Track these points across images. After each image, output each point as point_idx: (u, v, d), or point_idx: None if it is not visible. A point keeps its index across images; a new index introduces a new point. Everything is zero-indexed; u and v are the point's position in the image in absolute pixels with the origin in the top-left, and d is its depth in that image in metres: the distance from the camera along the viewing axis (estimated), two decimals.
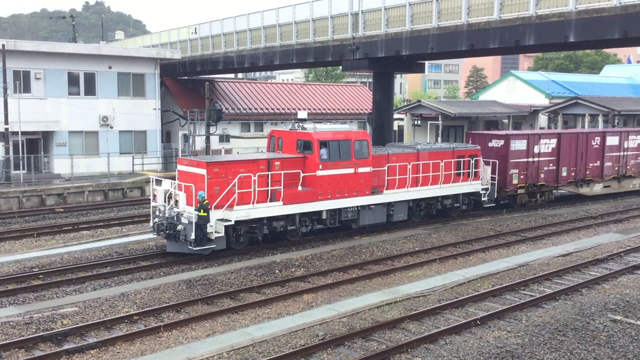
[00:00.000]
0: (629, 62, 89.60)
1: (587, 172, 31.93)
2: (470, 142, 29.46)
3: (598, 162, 32.29)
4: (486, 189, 27.29)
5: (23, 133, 34.32)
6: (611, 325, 14.52)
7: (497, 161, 27.90)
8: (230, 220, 19.84)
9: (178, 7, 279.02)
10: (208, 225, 19.20)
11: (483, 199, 27.27)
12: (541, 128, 50.19)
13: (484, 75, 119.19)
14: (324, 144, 21.78)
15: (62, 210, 29.40)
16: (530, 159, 29.47)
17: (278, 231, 21.57)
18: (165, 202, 20.61)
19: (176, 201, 20.03)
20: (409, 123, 49.60)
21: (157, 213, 20.70)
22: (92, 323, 14.35)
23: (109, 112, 38.29)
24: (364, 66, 32.42)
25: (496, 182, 27.84)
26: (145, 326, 14.40)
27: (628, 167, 33.86)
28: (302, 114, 23.65)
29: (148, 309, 15.37)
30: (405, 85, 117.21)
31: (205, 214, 18.91)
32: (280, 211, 20.96)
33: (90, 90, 38.07)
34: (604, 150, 32.47)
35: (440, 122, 46.00)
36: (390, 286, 17.42)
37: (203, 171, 19.79)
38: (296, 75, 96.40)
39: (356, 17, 30.86)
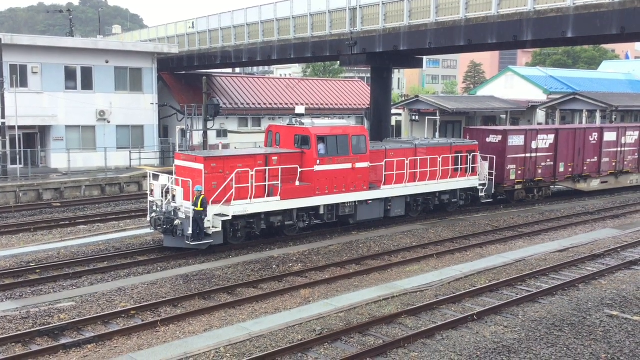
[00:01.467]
0: (627, 57, 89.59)
1: (585, 168, 31.95)
2: (467, 137, 29.48)
3: (595, 157, 32.32)
4: (484, 185, 27.31)
5: (20, 127, 34.22)
6: (608, 321, 14.55)
7: (494, 157, 27.93)
8: (227, 215, 19.83)
9: (175, 2, 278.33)
10: (205, 220, 19.20)
11: (480, 194, 27.31)
12: (539, 124, 50.21)
13: (482, 71, 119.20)
14: (321, 139, 21.77)
15: (59, 204, 29.36)
16: (528, 155, 29.49)
17: (275, 226, 21.55)
18: (162, 197, 20.59)
19: (173, 196, 20.00)
20: (406, 118, 49.58)
21: (155, 208, 20.68)
22: (89, 318, 14.34)
23: (106, 107, 38.22)
24: (361, 61, 32.40)
25: (494, 177, 27.88)
26: (143, 321, 14.40)
27: (625, 162, 33.90)
28: (299, 109, 23.64)
29: (145, 303, 15.36)
30: (403, 81, 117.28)
31: (202, 209, 18.91)
32: (277, 206, 20.96)
33: (87, 84, 37.96)
34: (602, 146, 32.48)
35: (438, 118, 45.99)
36: (387, 281, 17.43)
37: (200, 166, 19.76)
38: (294, 70, 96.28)
39: (354, 12, 30.82)
